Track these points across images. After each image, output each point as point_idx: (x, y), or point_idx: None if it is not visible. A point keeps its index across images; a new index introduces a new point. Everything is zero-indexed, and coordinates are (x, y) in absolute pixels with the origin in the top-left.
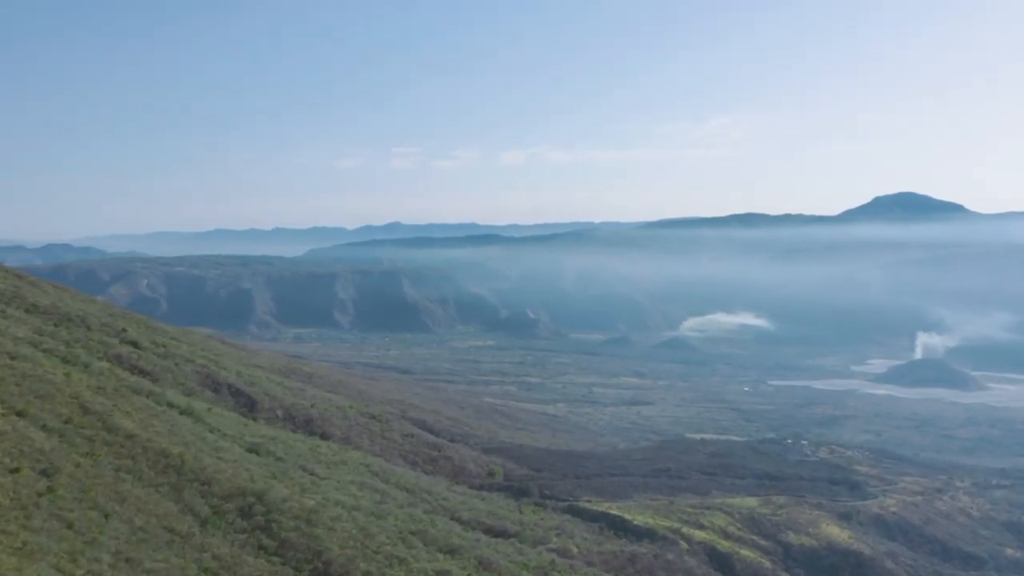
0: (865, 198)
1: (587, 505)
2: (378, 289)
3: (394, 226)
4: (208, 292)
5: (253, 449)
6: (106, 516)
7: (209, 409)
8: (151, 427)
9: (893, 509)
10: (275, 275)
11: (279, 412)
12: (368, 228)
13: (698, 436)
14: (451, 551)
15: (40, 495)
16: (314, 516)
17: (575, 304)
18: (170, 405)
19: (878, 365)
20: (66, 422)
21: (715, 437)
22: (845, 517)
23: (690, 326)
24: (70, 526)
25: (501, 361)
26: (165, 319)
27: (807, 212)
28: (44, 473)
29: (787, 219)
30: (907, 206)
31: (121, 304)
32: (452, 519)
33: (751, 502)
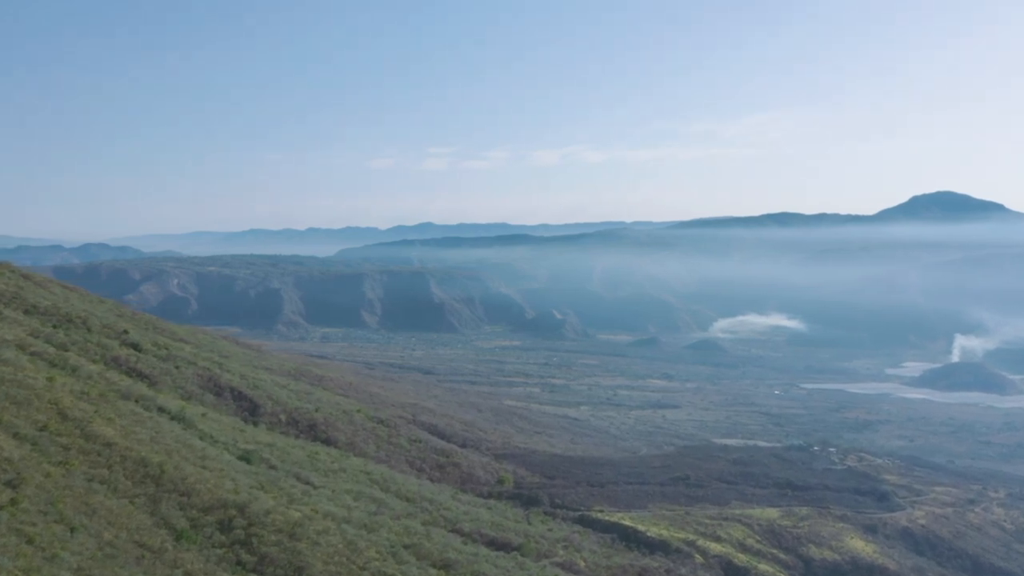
0: (903, 197)
1: (599, 515)
2: (405, 289)
3: (425, 226)
4: (237, 292)
5: (245, 457)
6: (72, 530)
7: (204, 414)
8: (133, 434)
9: (922, 521)
10: (304, 275)
11: (282, 416)
12: (400, 228)
13: (723, 441)
14: (445, 566)
15: (1, 508)
16: (299, 529)
17: (603, 305)
18: (160, 410)
19: (914, 368)
20: (41, 429)
21: (741, 442)
22: (871, 530)
23: (721, 327)
24: (30, 541)
25: (526, 362)
26: (195, 318)
27: (843, 212)
28: (9, 484)
29: (822, 218)
30: (946, 205)
31: (151, 303)
32: (452, 530)
33: (772, 513)
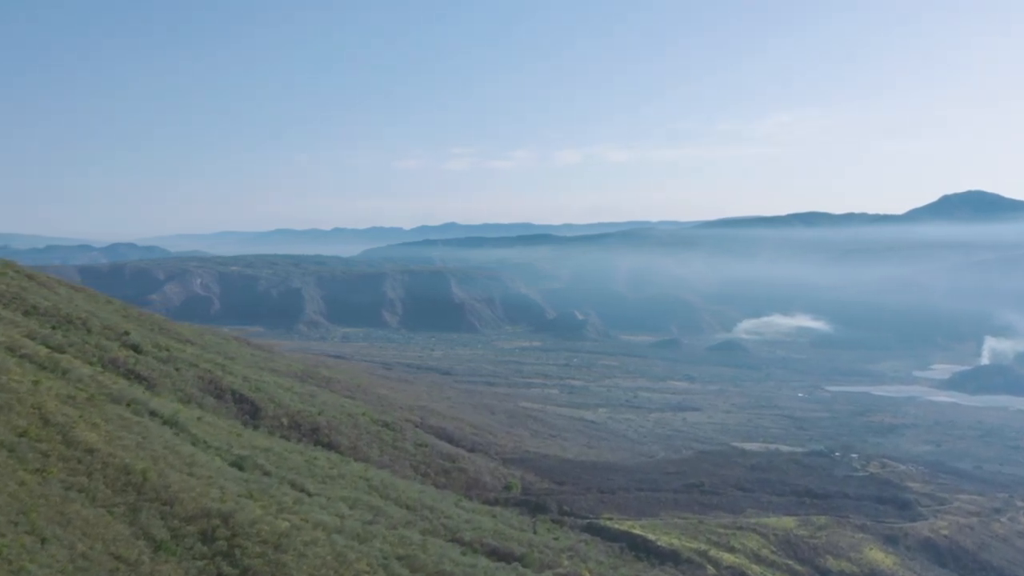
0: (932, 196)
1: (608, 523)
2: (426, 289)
3: (449, 226)
4: (259, 291)
5: (237, 463)
6: (43, 541)
7: (200, 418)
8: (117, 440)
9: (945, 532)
10: (326, 275)
11: (284, 420)
12: (424, 228)
13: (744, 445)
14: None
15: None
16: (285, 540)
17: (626, 305)
18: (153, 414)
19: (942, 371)
20: (20, 435)
21: (762, 446)
22: (891, 540)
23: (745, 328)
24: None
25: (545, 363)
26: (217, 318)
27: (871, 211)
28: None
29: (850, 218)
30: (976, 205)
31: (175, 303)
32: (451, 540)
33: (789, 522)
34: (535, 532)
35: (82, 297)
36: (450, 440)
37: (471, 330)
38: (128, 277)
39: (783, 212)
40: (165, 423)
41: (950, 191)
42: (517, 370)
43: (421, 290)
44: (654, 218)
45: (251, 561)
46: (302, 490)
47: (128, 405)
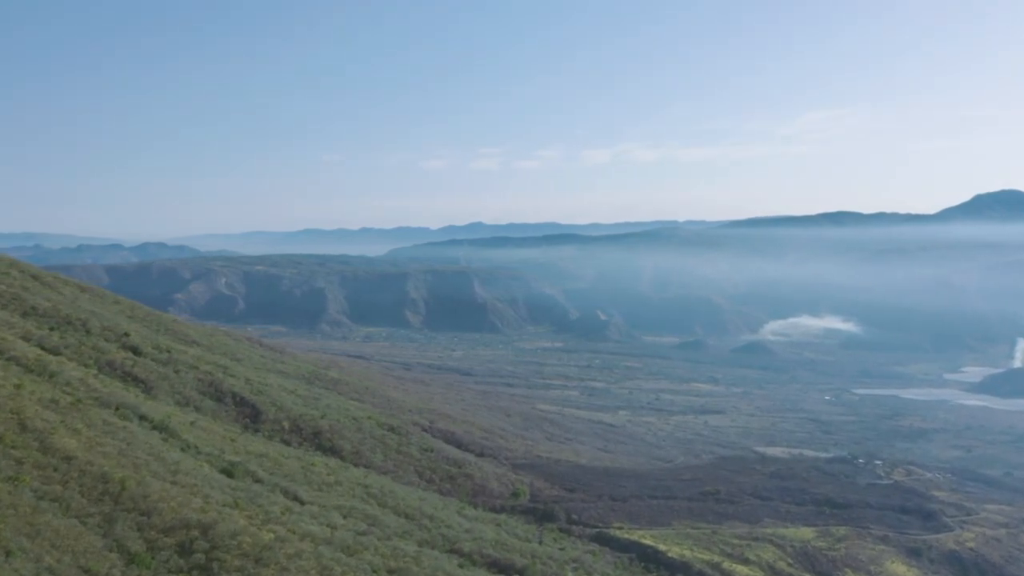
0: (965, 196)
1: (618, 532)
2: (449, 289)
3: (475, 226)
4: (283, 291)
5: (227, 470)
6: (8, 554)
7: (193, 422)
8: (97, 447)
9: (971, 544)
10: (349, 274)
11: (285, 423)
12: (450, 228)
13: (766, 450)
14: None
15: None
16: (267, 553)
17: (650, 306)
18: (142, 419)
19: (973, 373)
20: None
21: (786, 451)
22: (914, 553)
23: (771, 330)
24: None
25: (567, 364)
26: (241, 317)
27: (902, 211)
28: None
29: (880, 218)
30: (1010, 204)
31: (200, 302)
32: (450, 551)
33: (807, 533)
34: (541, 542)
35: (87, 298)
36: (458, 445)
37: (493, 330)
38: (155, 276)
39: (812, 212)
40: (154, 428)
41: (983, 190)
42: (537, 371)
43: (444, 290)
44: (681, 217)
45: (228, 575)
46: (295, 498)
47: (116, 409)
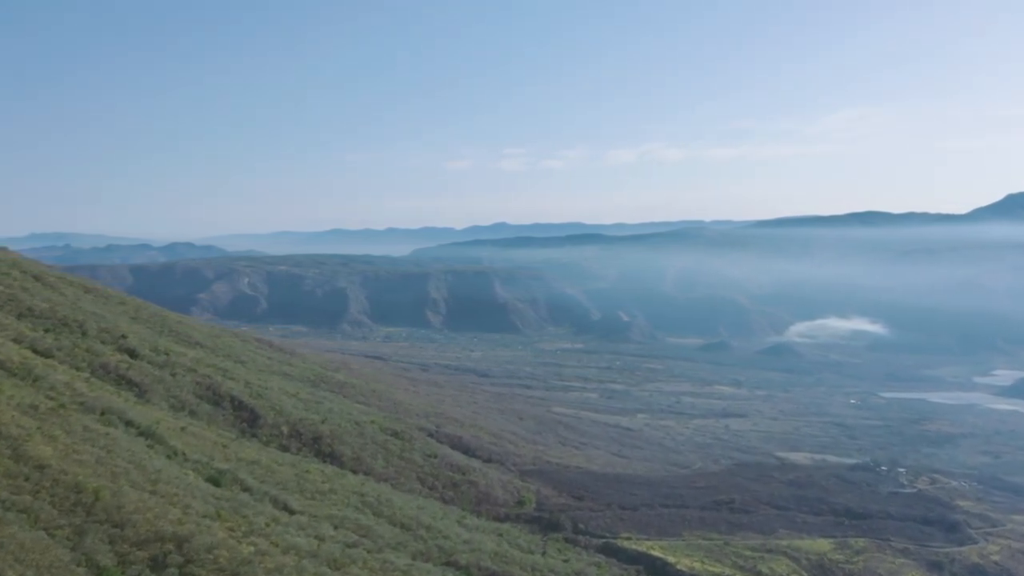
0: (997, 195)
1: (626, 543)
2: (469, 289)
3: (499, 226)
4: (305, 291)
5: (215, 478)
6: None
7: (184, 428)
8: (74, 455)
9: (995, 557)
10: (371, 275)
11: (284, 428)
12: (475, 228)
13: (788, 455)
14: None
15: None
16: (245, 568)
17: (674, 306)
18: (129, 425)
19: (1004, 377)
20: None
21: (808, 457)
22: (935, 567)
23: (798, 331)
24: None
25: (586, 366)
26: (263, 317)
27: (932, 211)
28: None
29: (910, 218)
30: None
31: (223, 302)
32: (445, 563)
33: (824, 545)
34: (544, 553)
35: (90, 299)
36: (465, 450)
37: (513, 331)
38: (178, 276)
39: (840, 212)
40: (140, 434)
41: (1015, 190)
42: (556, 372)
43: (464, 290)
44: (707, 217)
45: None
46: (284, 508)
47: (102, 415)
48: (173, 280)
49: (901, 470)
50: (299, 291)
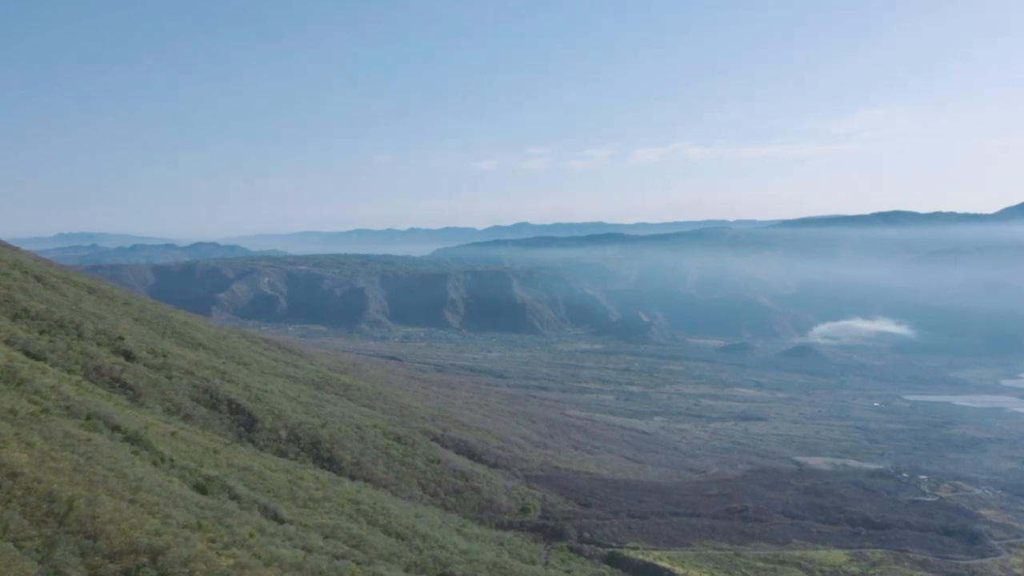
0: None
1: (632, 553)
2: (488, 289)
3: (521, 226)
4: (325, 290)
5: (201, 485)
6: None
7: (174, 433)
8: (50, 462)
9: (1018, 571)
10: (391, 275)
11: (282, 432)
12: (496, 228)
13: (808, 460)
14: None
15: None
16: None
17: (695, 307)
18: (115, 429)
19: None
20: None
21: (828, 462)
22: None
23: (821, 333)
24: None
25: (604, 367)
26: (282, 317)
27: (959, 210)
28: None
29: (937, 217)
30: None
31: (243, 302)
32: (440, 575)
33: (839, 556)
34: (546, 564)
35: (93, 299)
36: (470, 455)
37: (532, 331)
38: (199, 276)
39: (866, 211)
40: (126, 439)
41: None
42: (573, 374)
43: (483, 290)
44: (731, 217)
45: None
46: (273, 516)
47: (87, 419)
48: (194, 280)
49: (923, 477)
50: (318, 291)
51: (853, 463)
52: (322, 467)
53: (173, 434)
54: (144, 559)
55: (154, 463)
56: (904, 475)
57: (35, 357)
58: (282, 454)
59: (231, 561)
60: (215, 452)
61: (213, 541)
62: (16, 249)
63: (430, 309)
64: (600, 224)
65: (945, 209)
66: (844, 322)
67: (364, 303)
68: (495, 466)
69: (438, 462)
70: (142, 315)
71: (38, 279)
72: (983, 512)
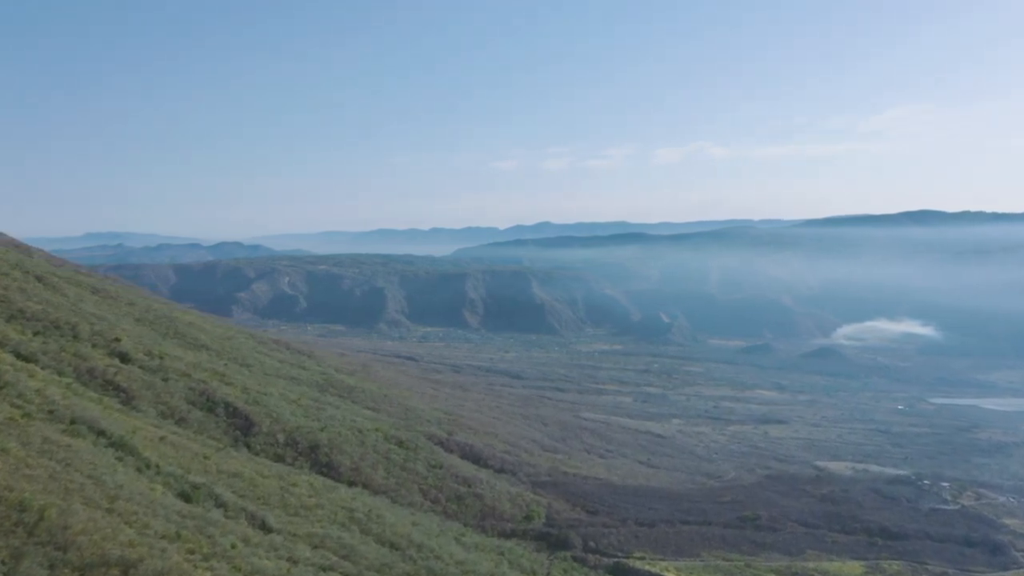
0: None
1: (638, 563)
2: (507, 289)
3: (543, 226)
4: (344, 290)
5: (187, 493)
6: None
7: (162, 438)
8: (23, 469)
9: None
10: (410, 274)
11: (279, 436)
12: (518, 228)
13: (828, 465)
14: None
15: None
16: None
17: (717, 307)
18: (100, 434)
19: None
20: None
21: (850, 466)
22: None
23: (844, 334)
24: None
25: (623, 368)
26: (302, 316)
27: (988, 209)
28: None
29: (965, 216)
30: None
31: (263, 301)
32: None
33: (854, 568)
34: (548, 575)
35: (95, 300)
36: (475, 460)
37: (551, 331)
38: (220, 276)
39: (892, 210)
40: (111, 445)
41: None
42: (591, 375)
43: (502, 290)
44: (755, 216)
45: None
46: (261, 525)
47: (71, 424)
48: (215, 279)
49: (944, 484)
50: (338, 291)
51: (874, 468)
52: (319, 472)
53: (162, 439)
54: (115, 572)
55: (138, 470)
56: (925, 482)
57: (25, 359)
58: (278, 459)
59: (208, 574)
60: (205, 458)
61: (192, 552)
62: (28, 249)
63: (449, 309)
64: (623, 224)
65: (973, 208)
66: (869, 323)
67: (383, 303)
68: (500, 471)
69: (440, 467)
70: (145, 316)
71: (39, 279)
72: (1007, 521)
